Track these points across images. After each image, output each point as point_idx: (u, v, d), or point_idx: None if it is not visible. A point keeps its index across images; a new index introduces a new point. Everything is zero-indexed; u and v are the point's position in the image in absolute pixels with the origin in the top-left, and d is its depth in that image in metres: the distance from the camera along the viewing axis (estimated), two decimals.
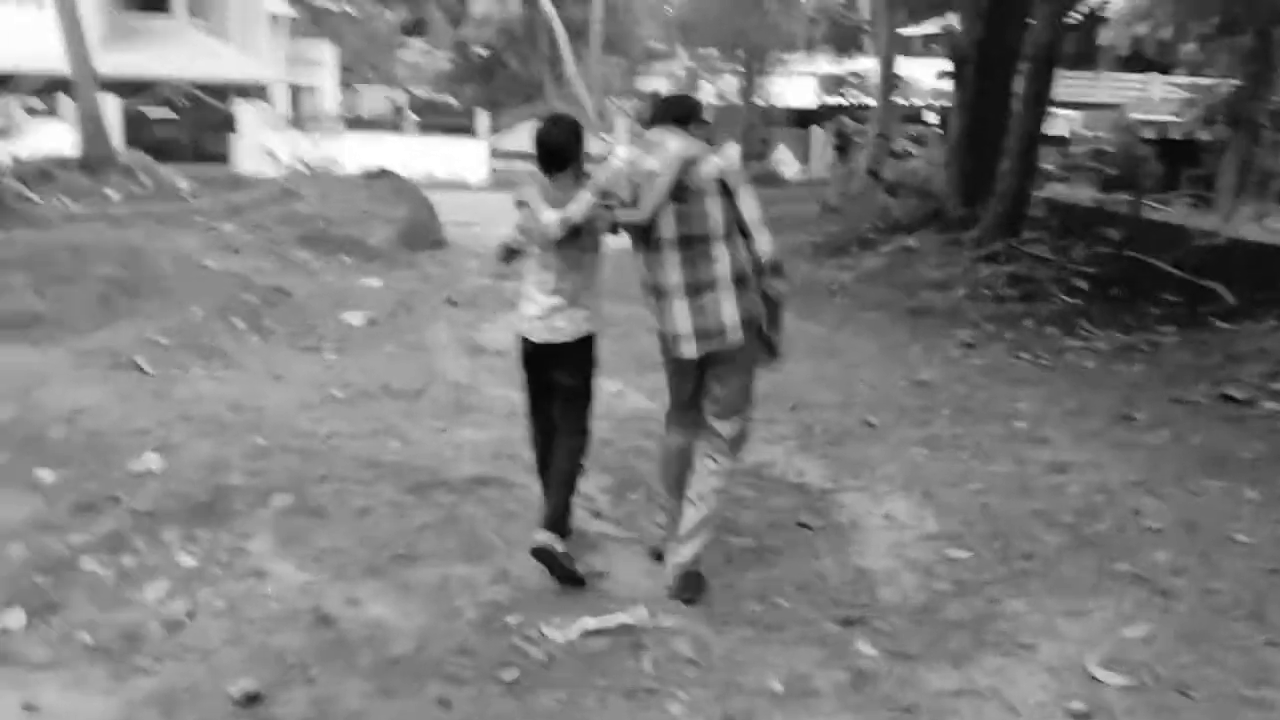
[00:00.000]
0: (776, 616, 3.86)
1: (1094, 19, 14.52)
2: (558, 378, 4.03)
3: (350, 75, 42.66)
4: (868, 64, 24.39)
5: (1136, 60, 32.72)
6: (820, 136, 28.83)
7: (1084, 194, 17.40)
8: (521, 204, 3.95)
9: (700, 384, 3.90)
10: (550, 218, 3.77)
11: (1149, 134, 24.89)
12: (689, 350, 3.75)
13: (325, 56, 37.94)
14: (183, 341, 7.00)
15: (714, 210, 3.67)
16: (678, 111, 3.89)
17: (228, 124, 28.41)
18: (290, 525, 4.17)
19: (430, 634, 3.49)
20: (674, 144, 3.71)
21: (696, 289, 3.71)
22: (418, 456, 5.12)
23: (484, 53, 43.12)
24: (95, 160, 14.67)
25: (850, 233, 13.30)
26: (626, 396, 6.61)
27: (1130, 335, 8.42)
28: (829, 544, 4.54)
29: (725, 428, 3.89)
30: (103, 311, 7.56)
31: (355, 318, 8.45)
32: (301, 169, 16.23)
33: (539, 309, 3.96)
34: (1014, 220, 11.35)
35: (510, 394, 6.66)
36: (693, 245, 3.69)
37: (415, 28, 48.86)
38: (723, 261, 3.70)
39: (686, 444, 4.03)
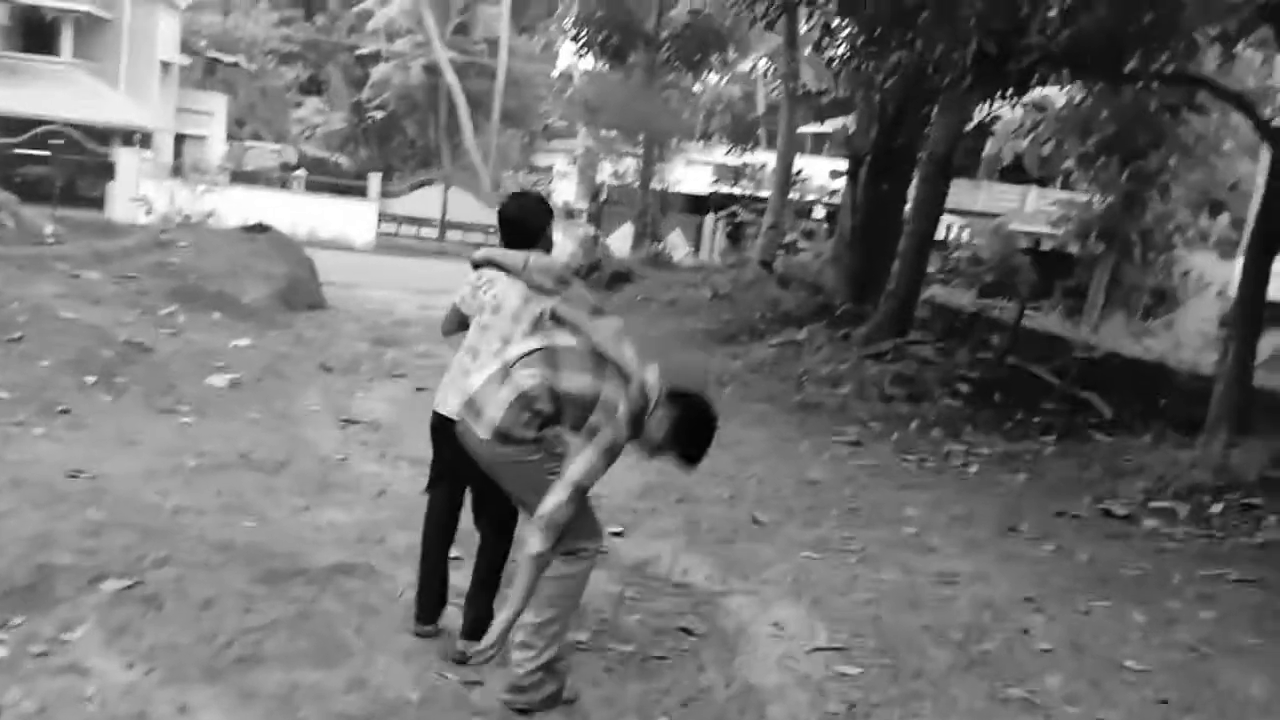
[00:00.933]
0: None
1: (982, 130, 15.03)
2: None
3: (240, 129, 41.77)
4: (764, 157, 24.90)
5: (1014, 171, 34.28)
6: (712, 224, 29.22)
7: (963, 298, 17.92)
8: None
9: None
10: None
11: (1025, 243, 25.96)
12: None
13: (216, 108, 37.09)
14: (25, 396, 6.42)
15: None
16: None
17: (106, 169, 27.35)
18: (121, 615, 3.70)
19: None
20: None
21: None
22: (274, 539, 4.69)
23: (380, 115, 42.81)
24: None
25: (741, 321, 13.29)
26: None
27: (1012, 443, 8.48)
28: (715, 654, 4.27)
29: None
30: None
31: (220, 380, 7.93)
32: (178, 219, 15.55)
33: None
34: (902, 320, 11.49)
35: (382, 471, 6.28)
36: None
37: (312, 86, 48.30)
38: None
39: None
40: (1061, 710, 3.96)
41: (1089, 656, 4.46)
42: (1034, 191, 35.26)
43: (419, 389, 8.88)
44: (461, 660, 3.73)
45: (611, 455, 3.38)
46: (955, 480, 7.47)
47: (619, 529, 5.50)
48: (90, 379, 7.13)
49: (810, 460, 7.57)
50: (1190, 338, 20.48)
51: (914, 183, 12.10)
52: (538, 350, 3.48)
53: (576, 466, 3.33)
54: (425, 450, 6.77)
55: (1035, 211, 33.68)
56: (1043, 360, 10.84)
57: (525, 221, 3.88)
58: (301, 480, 5.83)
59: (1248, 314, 7.98)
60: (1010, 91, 8.41)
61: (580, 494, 3.36)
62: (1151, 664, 4.41)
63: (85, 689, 3.25)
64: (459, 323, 4.05)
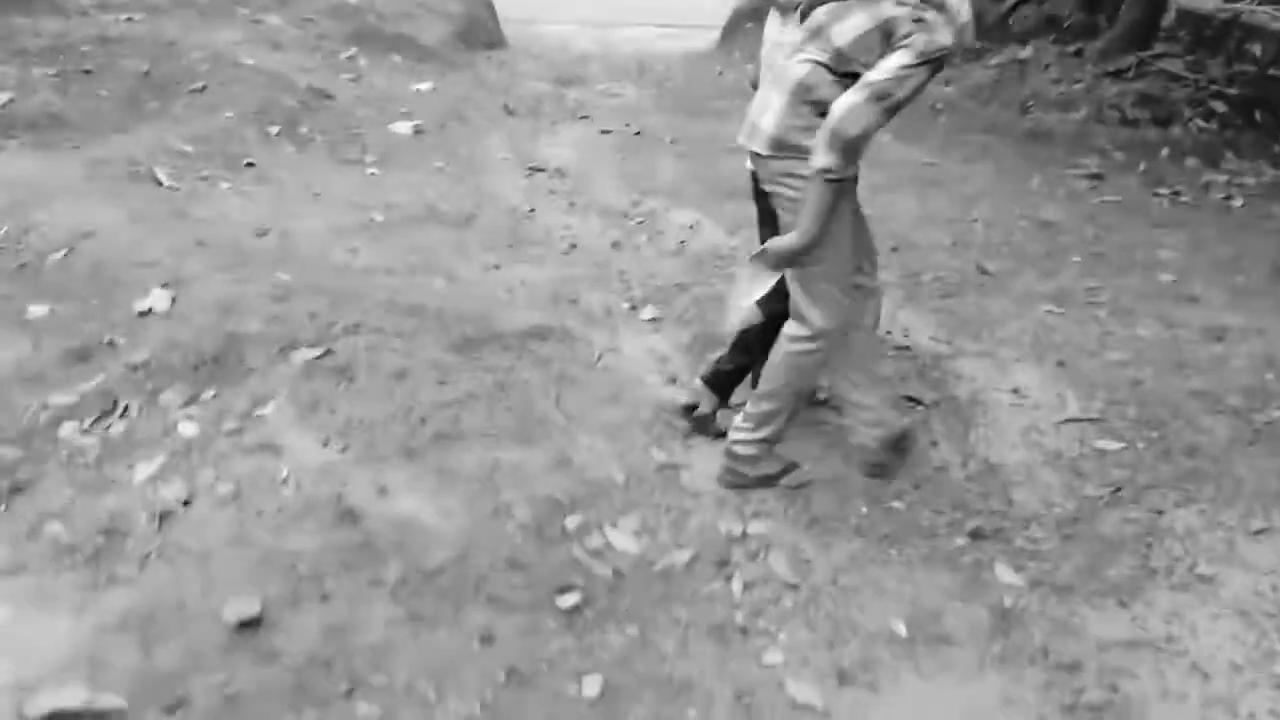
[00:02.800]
0: (891, 525, 3.17)
1: None
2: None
3: None
4: None
5: None
6: None
7: (1208, 2, 15.64)
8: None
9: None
10: None
11: None
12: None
13: None
14: (210, 150, 6.24)
15: None
16: None
17: None
18: (313, 388, 3.49)
19: (473, 540, 2.85)
20: None
21: None
22: (466, 300, 4.41)
23: None
24: None
25: None
26: (702, 230, 5.80)
27: None
28: (947, 427, 3.81)
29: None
30: (127, 113, 6.80)
31: (403, 127, 7.60)
32: None
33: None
34: (1146, 29, 9.96)
35: (571, 222, 5.91)
36: None
37: None
38: None
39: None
40: None
41: None
42: None
43: (604, 131, 8.38)
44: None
45: (925, 60, 2.62)
46: (1217, 216, 6.49)
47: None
48: (274, 129, 6.92)
49: (1043, 198, 6.71)
50: None
51: None
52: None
53: (876, 74, 2.64)
54: (614, 198, 6.42)
55: None
56: None
57: None
58: (491, 234, 5.51)
59: None
60: None
61: (880, 103, 2.63)
62: None
63: (280, 469, 3.08)
64: None
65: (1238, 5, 12.82)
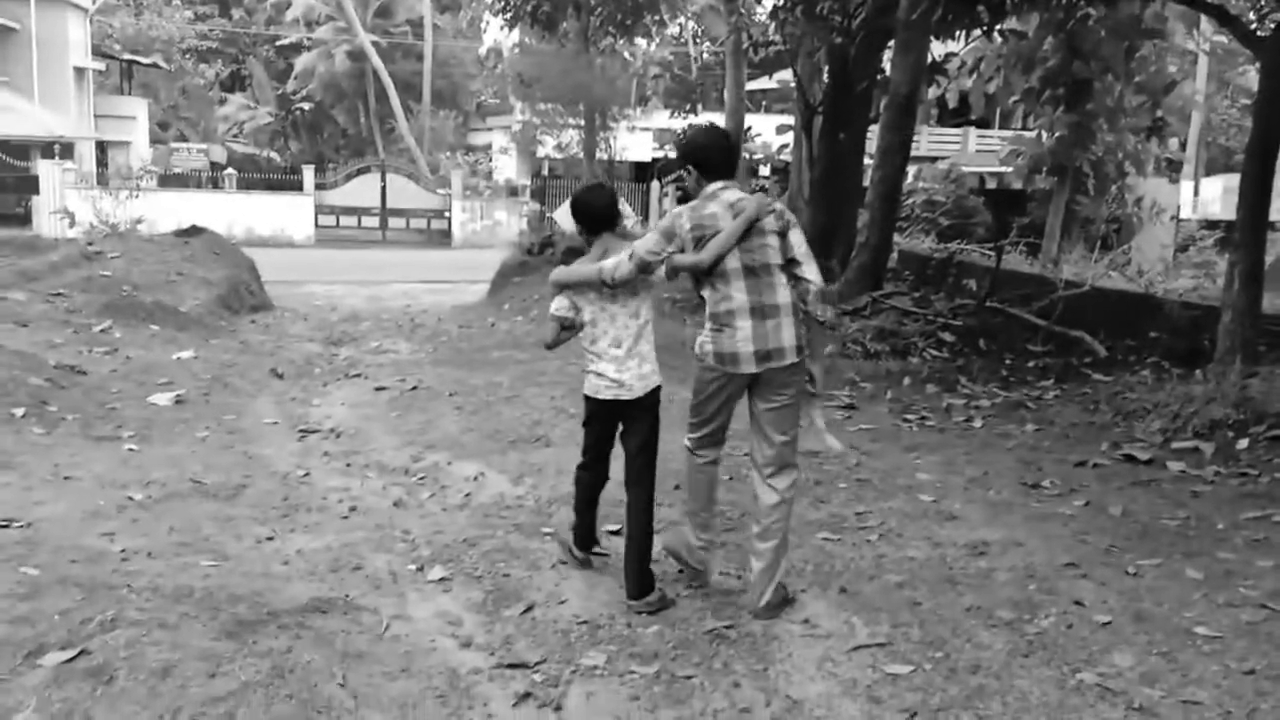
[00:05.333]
0: None
1: (933, 71, 14.58)
2: (631, 430, 4.26)
3: (164, 132, 40.43)
4: (707, 118, 24.30)
5: (950, 114, 34.09)
6: (659, 190, 28.67)
7: (921, 245, 17.57)
8: (562, 285, 4.24)
9: (731, 410, 4.22)
10: (612, 261, 4.04)
11: (975, 185, 25.69)
12: (748, 368, 3.99)
13: (137, 112, 35.78)
14: None
15: (773, 245, 3.99)
16: (728, 160, 4.16)
17: (28, 185, 26.16)
18: (66, 696, 3.13)
19: None
20: (736, 193, 4.03)
21: (759, 313, 3.96)
22: (237, 578, 4.15)
23: (308, 107, 41.64)
24: None
25: None
26: (487, 481, 5.76)
27: (1011, 391, 8.09)
28: (747, 664, 3.81)
29: (786, 453, 4.19)
30: None
31: (163, 398, 7.32)
32: (105, 229, 14.71)
33: (611, 367, 4.19)
34: (876, 273, 11.06)
35: (349, 484, 5.75)
36: (758, 274, 3.97)
37: (235, 82, 46.92)
38: (783, 290, 4.01)
39: (717, 464, 4.36)
40: (1143, 693, 3.53)
41: (1154, 626, 4.05)
42: (974, 133, 35.13)
43: (379, 388, 8.33)
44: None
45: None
46: (962, 437, 7.05)
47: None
48: (19, 411, 6.50)
49: (806, 430, 7.08)
50: (1151, 264, 20.33)
51: (878, 129, 11.62)
52: None
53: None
54: (393, 455, 6.31)
55: (977, 152, 33.56)
56: (1024, 301, 10.48)
57: (609, 210, 4.30)
58: (262, 505, 5.28)
59: (1250, 233, 7.56)
60: (981, 23, 7.93)
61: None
62: (1223, 628, 4.01)
63: None
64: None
65: (950, 246, 14.47)
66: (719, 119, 20.45)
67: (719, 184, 4.05)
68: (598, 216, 4.24)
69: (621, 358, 4.17)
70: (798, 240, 4.04)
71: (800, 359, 4.05)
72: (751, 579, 4.18)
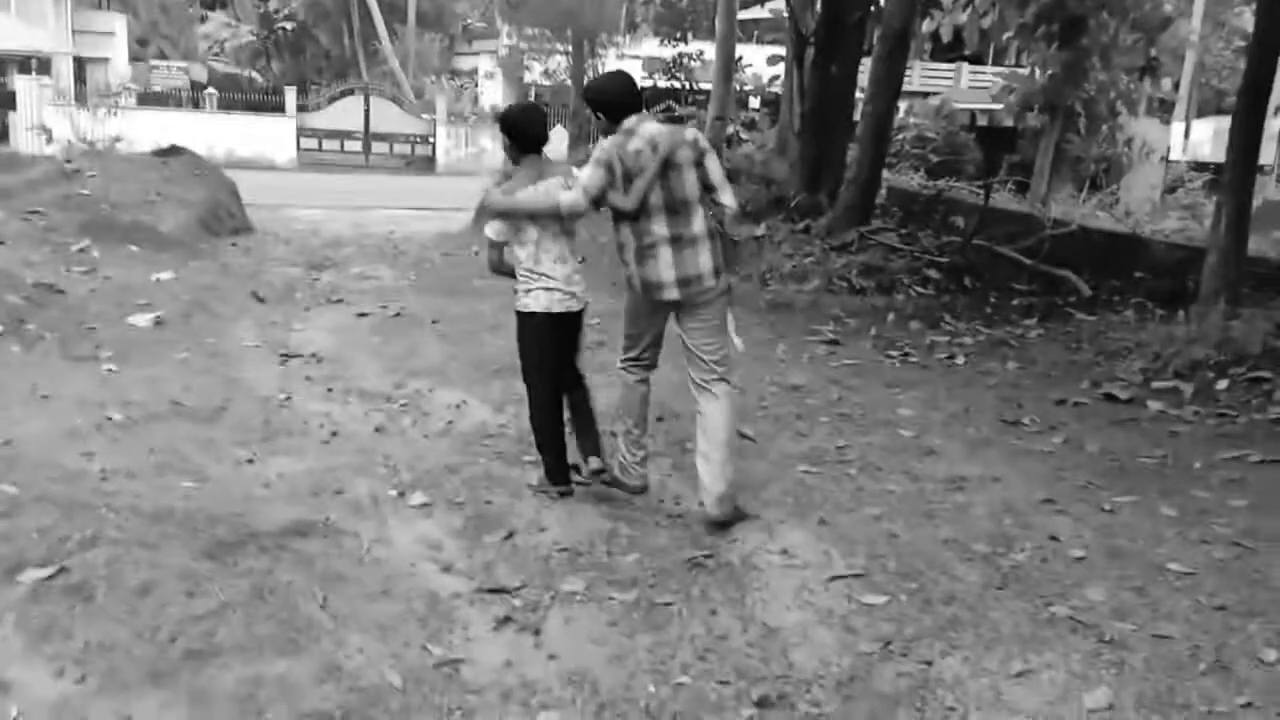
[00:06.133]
0: (680, 701, 3.13)
1: (929, 3, 14.37)
2: (570, 341, 4.52)
3: (144, 49, 39.55)
4: (697, 46, 23.97)
5: (943, 50, 33.71)
6: None
7: (910, 181, 17.47)
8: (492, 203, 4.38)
9: (660, 331, 4.46)
10: (570, 196, 4.20)
11: (966, 122, 25.50)
12: (671, 295, 4.24)
13: (116, 27, 34.91)
14: None
15: (690, 179, 4.19)
16: (628, 100, 4.29)
17: (5, 100, 25.64)
18: (46, 612, 3.14)
19: None
20: (653, 127, 4.21)
21: (679, 243, 4.19)
22: (217, 500, 4.15)
23: (290, 27, 40.78)
24: None
25: None
26: (469, 410, 5.76)
27: (994, 329, 8.11)
28: (724, 592, 3.85)
29: (720, 367, 4.36)
30: None
31: (142, 319, 7.24)
32: (83, 147, 14.44)
33: (561, 283, 4.36)
34: (864, 208, 11.00)
35: (330, 409, 5.73)
36: (676, 209, 4.19)
37: (216, 0, 45.86)
38: (699, 220, 4.22)
39: (648, 384, 4.57)
40: (1113, 626, 3.58)
41: (1127, 561, 4.10)
42: (967, 68, 34.78)
43: (360, 314, 8.28)
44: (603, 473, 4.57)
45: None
46: (944, 374, 7.08)
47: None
48: None
49: (790, 364, 7.12)
50: (1138, 205, 20.30)
51: (870, 61, 11.46)
52: None
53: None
54: (375, 382, 6.29)
55: (970, 88, 33.26)
56: (1011, 240, 10.45)
57: (544, 129, 4.49)
58: (242, 427, 5.26)
59: (1239, 176, 7.55)
60: None
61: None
62: (1195, 564, 4.06)
63: (8, 709, 2.72)
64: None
65: (940, 183, 14.38)
66: (709, 48, 20.16)
67: (634, 118, 4.22)
68: (534, 136, 4.39)
69: (568, 273, 4.38)
70: (714, 167, 4.26)
71: (719, 281, 4.27)
72: (703, 491, 4.35)
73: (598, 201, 4.18)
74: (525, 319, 4.40)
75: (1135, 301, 8.30)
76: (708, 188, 4.24)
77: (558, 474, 4.56)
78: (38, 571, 3.34)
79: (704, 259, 4.21)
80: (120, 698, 2.82)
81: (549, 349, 4.43)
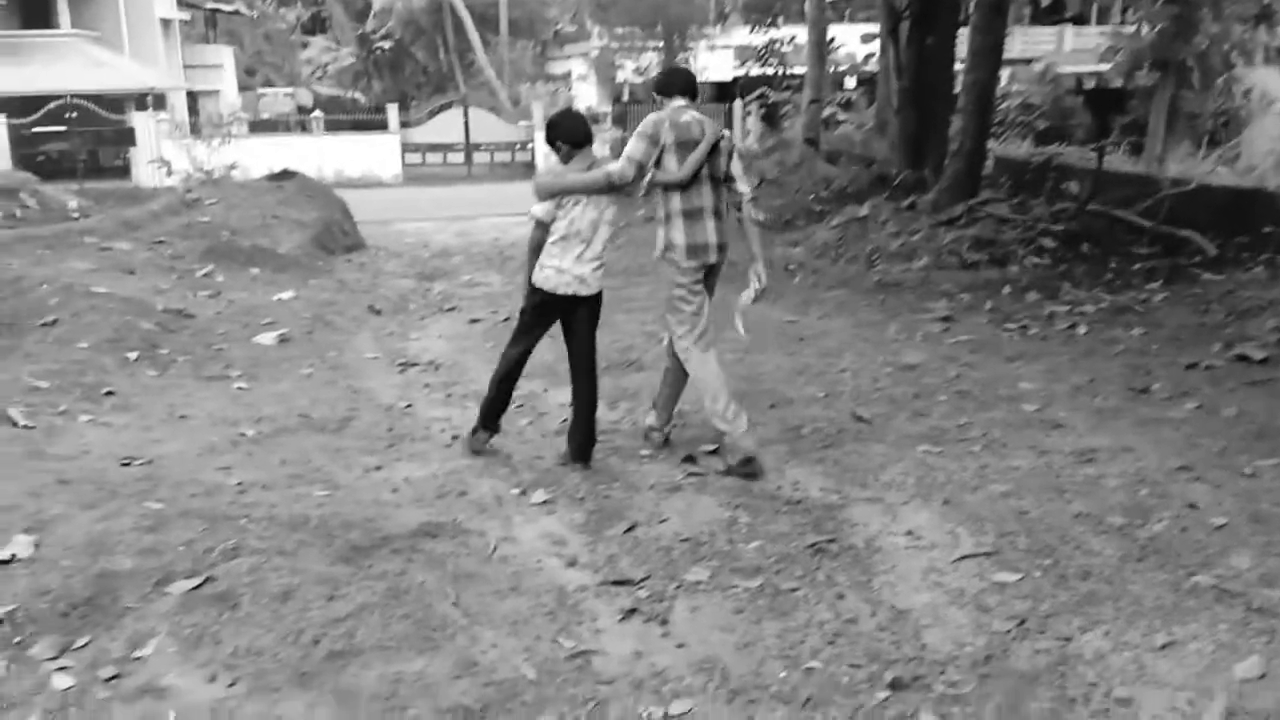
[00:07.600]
0: (811, 686, 3.11)
1: None
2: (581, 324, 4.79)
3: (251, 78, 41.03)
4: (789, 30, 23.75)
5: (1043, 14, 32.67)
6: (742, 109, 28.18)
7: (1018, 149, 16.98)
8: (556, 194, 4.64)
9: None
10: (617, 166, 4.55)
11: (1070, 85, 24.67)
12: (712, 257, 4.77)
13: (224, 60, 36.29)
14: (66, 383, 6.04)
15: (722, 162, 4.75)
16: (685, 85, 4.88)
17: (125, 137, 26.84)
18: (194, 620, 3.29)
19: None
20: (695, 113, 4.74)
21: (716, 214, 4.76)
22: (349, 506, 4.28)
23: (388, 46, 41.76)
24: None
25: (794, 205, 12.62)
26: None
27: (1117, 295, 7.84)
28: (850, 576, 3.81)
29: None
30: None
31: (268, 337, 7.52)
32: (201, 177, 15.06)
33: (577, 264, 4.65)
34: (971, 180, 10.74)
35: (450, 414, 5.86)
36: (715, 183, 4.75)
37: (315, 25, 47.26)
38: (723, 199, 4.82)
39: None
40: (1262, 594, 3.44)
41: (1273, 527, 3.93)
42: (1070, 31, 33.66)
43: (473, 320, 8.45)
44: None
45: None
46: (1066, 344, 6.87)
47: (712, 446, 5.02)
48: (132, 355, 6.75)
49: (903, 344, 7.01)
50: (1262, 158, 19.38)
51: (968, 31, 11.18)
52: None
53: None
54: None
55: (1073, 51, 32.18)
56: (1127, 203, 10.08)
57: (588, 129, 4.83)
58: (368, 436, 5.42)
59: None
60: None
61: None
62: None
63: (165, 713, 2.86)
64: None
65: (1048, 149, 13.97)
66: (800, 31, 19.94)
67: (681, 100, 4.77)
68: (580, 134, 4.72)
69: (585, 256, 4.66)
70: (736, 158, 4.86)
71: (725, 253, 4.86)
72: (727, 441, 4.77)
73: (642, 171, 4.56)
74: (533, 291, 4.75)
75: (1265, 258, 7.92)
76: (728, 177, 4.78)
77: (489, 415, 5.02)
78: (185, 583, 3.50)
79: (724, 231, 4.78)
80: (269, 700, 2.93)
81: (536, 321, 4.83)
